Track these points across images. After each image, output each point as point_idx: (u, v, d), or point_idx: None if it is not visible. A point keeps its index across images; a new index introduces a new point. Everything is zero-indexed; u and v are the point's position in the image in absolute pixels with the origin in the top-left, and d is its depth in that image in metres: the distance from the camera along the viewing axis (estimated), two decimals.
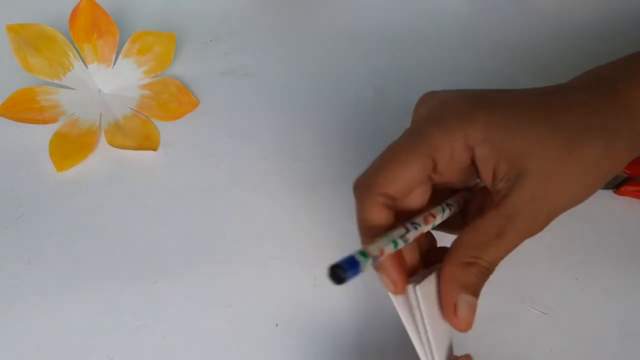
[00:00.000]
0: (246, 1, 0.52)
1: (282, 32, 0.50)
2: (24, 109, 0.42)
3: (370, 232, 0.27)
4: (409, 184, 0.27)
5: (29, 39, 0.43)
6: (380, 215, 0.27)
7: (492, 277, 0.27)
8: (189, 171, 0.41)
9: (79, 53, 0.44)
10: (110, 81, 0.44)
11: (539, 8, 0.52)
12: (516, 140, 0.26)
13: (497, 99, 0.28)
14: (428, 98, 0.29)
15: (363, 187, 0.28)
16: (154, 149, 0.41)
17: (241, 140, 0.42)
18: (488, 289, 0.27)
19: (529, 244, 0.36)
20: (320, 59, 0.48)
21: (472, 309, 0.28)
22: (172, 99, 0.44)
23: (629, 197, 0.39)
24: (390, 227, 0.27)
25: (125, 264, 0.36)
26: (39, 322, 0.34)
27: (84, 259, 0.36)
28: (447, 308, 0.27)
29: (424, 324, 0.27)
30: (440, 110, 0.28)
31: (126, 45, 0.45)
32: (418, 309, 0.26)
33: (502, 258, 0.28)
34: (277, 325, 0.34)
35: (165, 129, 0.42)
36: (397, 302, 0.27)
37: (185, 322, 0.34)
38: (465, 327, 0.27)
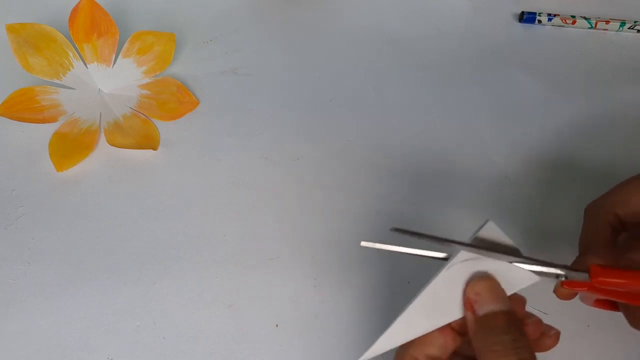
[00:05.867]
0: (246, 1, 0.52)
1: (282, 32, 0.50)
2: (24, 108, 0.42)
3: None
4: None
5: (29, 39, 0.43)
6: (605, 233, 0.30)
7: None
8: (189, 171, 0.40)
9: (78, 53, 0.44)
10: (110, 81, 0.44)
11: (539, 7, 0.52)
12: None
13: None
14: None
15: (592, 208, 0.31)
16: (154, 149, 0.41)
17: (241, 140, 0.42)
18: None
19: (530, 247, 0.36)
20: (320, 58, 0.48)
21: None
22: (172, 98, 0.44)
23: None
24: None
25: (125, 264, 0.36)
26: (38, 322, 0.34)
27: (84, 259, 0.36)
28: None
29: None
30: None
31: (126, 45, 0.45)
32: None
33: None
34: (277, 325, 0.34)
35: (165, 129, 0.42)
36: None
37: (185, 322, 0.34)
38: None
